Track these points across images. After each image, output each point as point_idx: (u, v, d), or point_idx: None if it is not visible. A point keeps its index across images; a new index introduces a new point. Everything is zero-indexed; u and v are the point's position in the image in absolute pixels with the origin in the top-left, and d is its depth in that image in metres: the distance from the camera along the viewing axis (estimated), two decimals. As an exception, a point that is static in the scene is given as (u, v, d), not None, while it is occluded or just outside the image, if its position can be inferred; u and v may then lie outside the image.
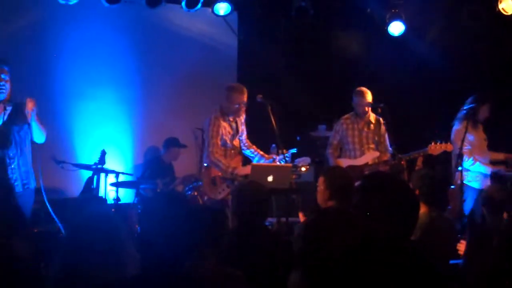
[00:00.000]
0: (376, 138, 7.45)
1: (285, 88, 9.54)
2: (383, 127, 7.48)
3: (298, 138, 9.67)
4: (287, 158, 6.96)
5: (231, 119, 6.99)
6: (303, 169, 8.20)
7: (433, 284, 3.00)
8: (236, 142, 7.04)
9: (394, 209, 3.02)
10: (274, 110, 7.05)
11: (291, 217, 7.00)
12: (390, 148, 7.45)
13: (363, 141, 7.44)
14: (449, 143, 7.20)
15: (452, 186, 7.24)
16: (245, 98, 6.94)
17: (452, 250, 4.66)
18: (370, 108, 7.48)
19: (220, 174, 6.80)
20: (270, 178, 6.39)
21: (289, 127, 8.48)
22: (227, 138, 6.95)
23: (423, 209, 4.60)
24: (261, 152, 7.23)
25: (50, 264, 2.90)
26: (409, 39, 9.12)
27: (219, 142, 6.85)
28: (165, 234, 2.71)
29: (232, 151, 6.99)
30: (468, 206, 7.04)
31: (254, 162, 7.13)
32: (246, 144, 7.20)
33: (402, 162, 7.17)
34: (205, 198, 6.89)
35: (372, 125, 7.49)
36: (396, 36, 8.90)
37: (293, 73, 9.82)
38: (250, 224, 4.26)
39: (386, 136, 7.48)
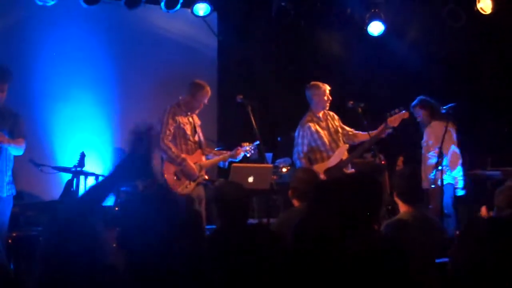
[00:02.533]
0: (340, 131, 7.35)
1: (266, 88, 9.53)
2: (336, 117, 7.41)
3: (279, 139, 9.65)
4: (252, 151, 7.01)
5: (188, 114, 7.00)
6: (284, 169, 8.21)
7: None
8: (196, 138, 7.03)
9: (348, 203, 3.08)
10: (255, 110, 7.04)
11: (272, 217, 6.98)
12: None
13: (334, 138, 7.22)
14: (405, 111, 7.23)
15: (432, 186, 7.28)
16: (207, 99, 6.99)
17: (438, 249, 4.63)
18: None
19: (179, 168, 6.79)
20: (250, 179, 6.38)
21: (270, 128, 8.48)
22: (187, 131, 6.92)
23: (404, 209, 4.60)
24: (223, 152, 7.21)
25: (32, 268, 2.88)
26: (389, 39, 9.14)
27: (172, 130, 6.82)
28: (143, 231, 2.72)
29: (194, 145, 6.98)
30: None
31: (221, 165, 7.18)
32: (206, 150, 7.18)
33: (383, 162, 7.15)
34: None
35: (329, 119, 7.37)
36: (375, 36, 8.92)
37: (273, 74, 9.81)
38: (234, 224, 4.24)
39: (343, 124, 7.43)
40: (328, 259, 3.03)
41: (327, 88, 7.22)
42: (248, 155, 7.14)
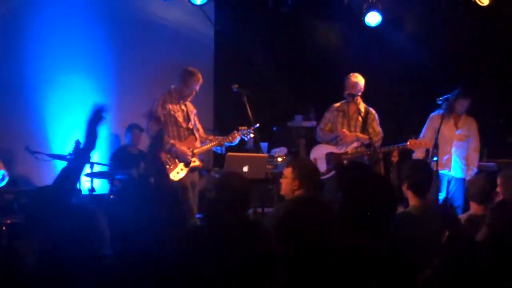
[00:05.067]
0: (367, 128, 7.34)
1: (262, 78, 9.52)
2: (371, 116, 7.41)
3: (274, 128, 9.66)
4: (251, 134, 6.97)
5: (180, 102, 6.95)
6: (279, 159, 8.21)
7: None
8: (190, 125, 6.98)
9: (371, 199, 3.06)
10: (250, 100, 7.03)
11: (266, 207, 7.00)
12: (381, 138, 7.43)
13: (351, 130, 7.31)
14: (427, 141, 7.21)
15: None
16: (199, 86, 6.95)
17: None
18: (359, 97, 7.39)
19: (169, 154, 6.73)
20: (245, 169, 6.37)
21: (266, 117, 8.46)
22: (179, 118, 6.87)
23: (414, 202, 4.50)
24: (219, 138, 7.15)
25: (27, 254, 2.89)
26: (386, 30, 9.12)
27: (163, 118, 6.79)
28: (133, 220, 2.73)
29: (186, 132, 6.94)
30: None
31: (219, 151, 7.12)
32: (203, 137, 7.13)
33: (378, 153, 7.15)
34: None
35: (361, 115, 7.39)
36: (373, 27, 8.90)
37: (269, 63, 9.79)
38: (236, 215, 4.23)
39: (376, 125, 7.42)
40: (335, 255, 3.03)
41: (354, 81, 7.27)
42: (246, 138, 7.09)
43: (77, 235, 2.77)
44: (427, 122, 7.62)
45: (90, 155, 3.67)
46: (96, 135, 3.62)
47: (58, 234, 2.79)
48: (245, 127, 7.01)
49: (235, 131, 7.02)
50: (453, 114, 7.51)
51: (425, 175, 4.61)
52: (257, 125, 6.96)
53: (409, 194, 4.52)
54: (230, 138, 6.99)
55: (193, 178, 6.95)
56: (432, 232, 4.20)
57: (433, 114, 7.62)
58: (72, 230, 2.78)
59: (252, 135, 7.03)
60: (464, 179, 7.46)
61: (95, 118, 3.60)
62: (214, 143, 7.03)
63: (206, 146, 7.04)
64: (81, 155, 3.60)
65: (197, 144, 6.96)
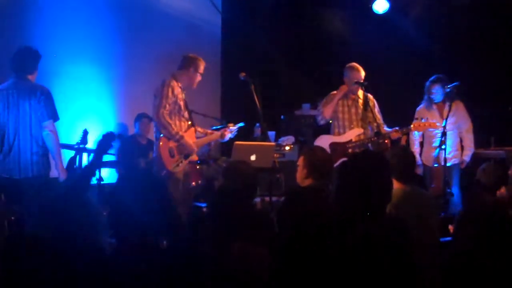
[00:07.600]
0: (367, 115, 7.33)
1: (269, 66, 9.50)
2: (371, 103, 7.38)
3: (282, 117, 9.65)
4: (235, 132, 6.99)
5: (184, 89, 6.84)
6: (287, 148, 8.20)
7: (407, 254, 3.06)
8: (187, 114, 6.85)
9: (370, 185, 3.09)
10: (258, 88, 7.02)
11: (274, 196, 6.99)
12: (384, 124, 7.39)
13: (352, 118, 7.29)
14: (432, 122, 7.21)
15: (436, 165, 7.27)
16: (201, 72, 6.84)
17: (436, 225, 4.62)
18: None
19: (176, 144, 6.64)
20: (253, 157, 6.37)
21: (273, 106, 8.46)
22: (182, 106, 6.75)
23: (396, 185, 4.58)
24: (209, 131, 7.12)
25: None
26: (394, 17, 9.09)
27: (171, 105, 6.58)
28: (133, 210, 2.76)
29: (186, 123, 6.84)
30: None
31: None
32: (200, 131, 7.07)
33: (386, 141, 7.13)
34: (164, 172, 6.60)
35: (360, 102, 7.37)
36: (380, 14, 8.87)
37: (277, 52, 9.77)
38: (243, 203, 4.23)
39: (377, 112, 7.39)
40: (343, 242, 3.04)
41: (355, 72, 7.25)
42: (232, 137, 7.08)
43: (75, 225, 2.80)
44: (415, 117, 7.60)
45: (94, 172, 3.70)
46: (100, 161, 3.79)
47: (56, 224, 2.81)
48: (232, 124, 7.04)
49: (227, 129, 7.00)
50: (434, 104, 7.51)
51: (406, 163, 4.73)
52: (242, 123, 6.99)
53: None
54: (222, 135, 6.97)
55: (187, 170, 6.86)
56: (413, 212, 4.34)
57: (418, 109, 7.63)
58: (69, 220, 2.81)
59: (235, 134, 7.06)
60: (457, 164, 7.47)
61: (104, 146, 3.67)
62: (208, 138, 7.02)
63: (203, 140, 7.00)
64: (85, 171, 3.68)
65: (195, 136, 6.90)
